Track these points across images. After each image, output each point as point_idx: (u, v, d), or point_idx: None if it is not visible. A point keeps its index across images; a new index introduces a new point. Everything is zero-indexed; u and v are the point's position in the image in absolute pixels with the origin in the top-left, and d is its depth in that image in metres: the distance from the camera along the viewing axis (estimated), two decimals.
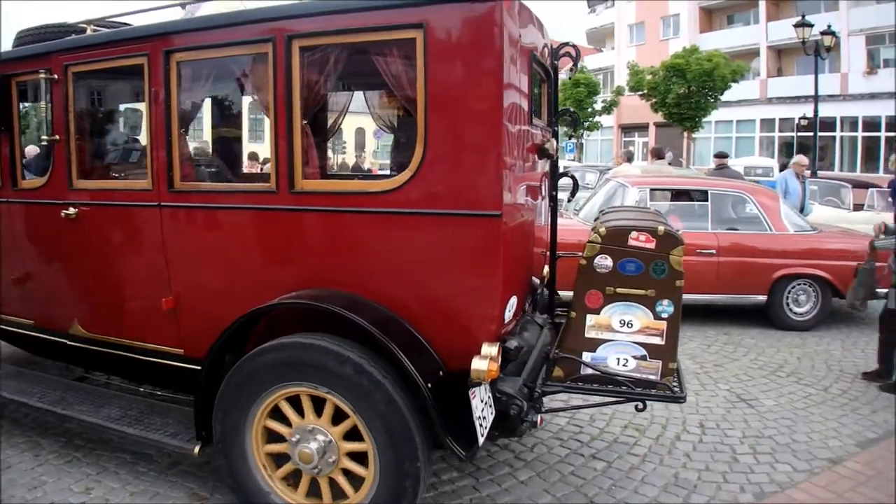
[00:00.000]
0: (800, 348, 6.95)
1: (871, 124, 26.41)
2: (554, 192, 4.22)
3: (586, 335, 3.45)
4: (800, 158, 10.84)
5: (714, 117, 27.88)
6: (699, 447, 4.53)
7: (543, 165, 3.90)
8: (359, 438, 3.08)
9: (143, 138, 3.73)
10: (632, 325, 3.41)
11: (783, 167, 15.21)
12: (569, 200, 4.64)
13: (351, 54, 3.28)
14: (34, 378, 4.37)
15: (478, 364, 2.94)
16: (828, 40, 19.36)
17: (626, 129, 36.51)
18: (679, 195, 8.50)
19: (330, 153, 6.90)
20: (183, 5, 3.91)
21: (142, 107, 3.72)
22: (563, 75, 4.34)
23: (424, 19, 2.92)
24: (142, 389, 4.16)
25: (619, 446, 4.52)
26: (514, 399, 3.18)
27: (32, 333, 4.38)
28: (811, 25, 19.59)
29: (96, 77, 4.08)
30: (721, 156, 12.59)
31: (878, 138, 26.21)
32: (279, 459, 3.32)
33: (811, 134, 21.14)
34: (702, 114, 25.82)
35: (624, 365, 3.43)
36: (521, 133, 3.28)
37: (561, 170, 4.22)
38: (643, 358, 3.41)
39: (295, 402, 3.18)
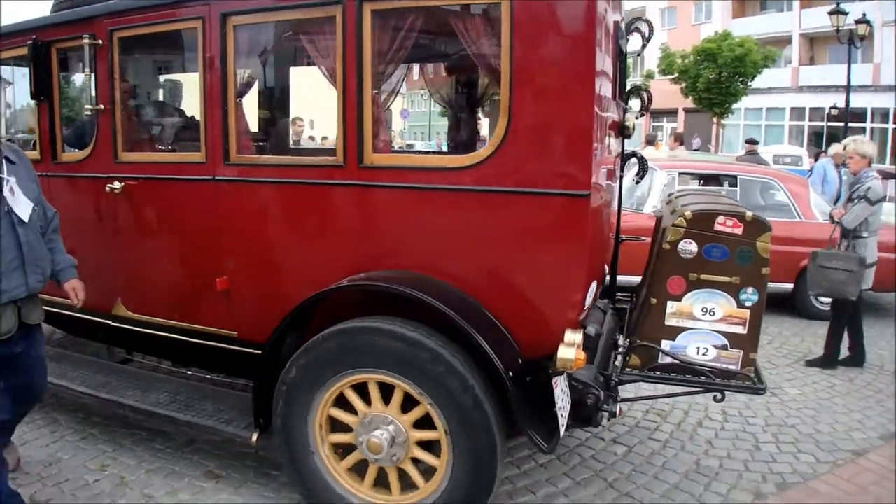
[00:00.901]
0: (825, 338, 6.81)
1: None
2: (621, 174, 4.09)
3: (666, 323, 3.33)
4: (839, 148, 10.73)
5: (744, 104, 27.62)
6: (721, 434, 4.52)
7: (618, 145, 3.76)
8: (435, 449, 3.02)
9: (196, 108, 3.59)
10: (714, 312, 3.29)
11: (816, 157, 15.10)
12: (637, 182, 4.50)
13: (427, 20, 3.13)
14: (76, 361, 4.27)
15: (564, 352, 2.81)
16: (862, 29, 19.11)
17: (655, 114, 36.20)
18: (707, 180, 8.40)
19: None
20: None
21: (193, 75, 3.57)
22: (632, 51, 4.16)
23: None
24: (189, 373, 4.04)
25: (641, 431, 4.49)
26: (591, 388, 3.09)
27: (72, 314, 4.25)
28: (846, 13, 19.32)
29: (144, 43, 3.95)
30: (752, 142, 12.68)
31: None
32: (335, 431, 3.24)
33: (841, 124, 20.92)
34: (732, 100, 25.58)
35: (704, 354, 3.31)
36: (606, 110, 3.15)
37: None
38: (724, 347, 3.30)
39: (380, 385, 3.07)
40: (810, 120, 29.49)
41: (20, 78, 4.42)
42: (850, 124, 21.08)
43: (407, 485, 3.14)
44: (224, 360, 3.76)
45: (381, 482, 3.19)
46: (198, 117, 3.58)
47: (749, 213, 3.24)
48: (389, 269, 3.15)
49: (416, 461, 3.10)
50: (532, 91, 2.83)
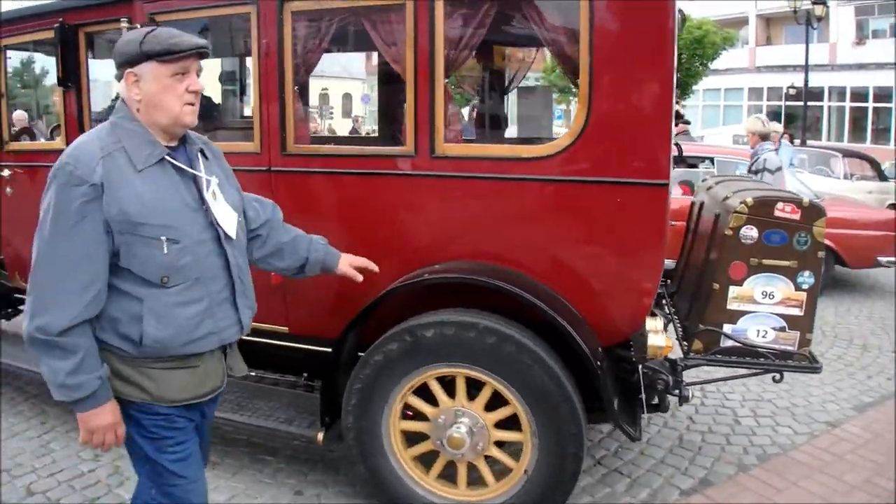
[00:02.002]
0: None
1: (859, 94, 27.17)
2: None
3: (728, 307, 3.47)
4: (772, 126, 11.63)
5: (702, 85, 28.35)
6: (701, 410, 4.80)
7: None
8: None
9: (248, 96, 3.57)
10: (773, 296, 3.44)
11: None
12: (674, 168, 4.66)
13: (500, 8, 3.18)
14: None
15: (655, 340, 2.95)
16: (818, 10, 19.85)
17: None
18: (678, 161, 8.66)
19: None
20: None
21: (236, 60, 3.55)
22: None
23: None
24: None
25: None
26: (661, 373, 3.24)
27: None
28: None
29: (186, 27, 3.89)
30: (683, 122, 13.07)
31: (866, 108, 27.01)
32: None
33: (800, 103, 21.69)
34: (691, 81, 26.23)
35: (763, 336, 3.47)
36: None
37: None
38: (782, 329, 3.46)
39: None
40: (768, 100, 30.43)
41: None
42: (809, 103, 21.87)
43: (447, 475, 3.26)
44: (271, 356, 3.77)
45: (427, 461, 3.28)
46: (249, 106, 3.57)
47: (806, 199, 3.41)
48: (464, 260, 3.21)
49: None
50: (612, 80, 2.92)
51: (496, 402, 3.08)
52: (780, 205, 3.42)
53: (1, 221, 4.59)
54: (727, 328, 3.48)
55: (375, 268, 2.86)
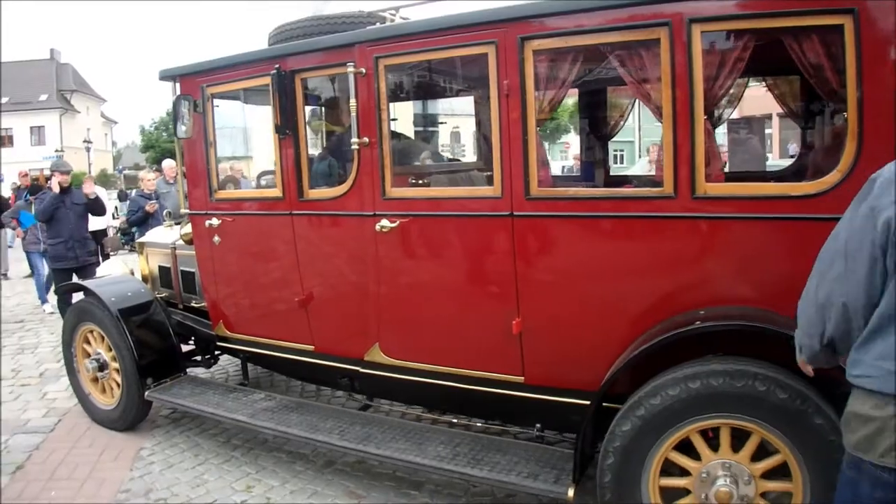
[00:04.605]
0: None
1: None
2: None
3: None
4: None
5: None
6: None
7: None
8: None
9: (488, 138, 3.91)
10: None
11: None
12: None
13: (758, 41, 3.46)
14: (321, 411, 4.62)
15: None
16: None
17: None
18: None
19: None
20: None
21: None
22: None
23: (856, 4, 3.06)
24: (454, 420, 4.38)
25: None
26: None
27: (309, 360, 4.66)
28: None
29: (408, 70, 4.31)
30: None
31: None
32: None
33: None
34: None
35: None
36: None
37: None
38: None
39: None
40: None
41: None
42: None
43: None
44: (503, 406, 4.08)
45: None
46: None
47: None
48: (728, 306, 3.44)
49: None
50: (882, 113, 3.10)
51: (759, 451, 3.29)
52: None
53: (207, 272, 5.12)
54: None
55: None
